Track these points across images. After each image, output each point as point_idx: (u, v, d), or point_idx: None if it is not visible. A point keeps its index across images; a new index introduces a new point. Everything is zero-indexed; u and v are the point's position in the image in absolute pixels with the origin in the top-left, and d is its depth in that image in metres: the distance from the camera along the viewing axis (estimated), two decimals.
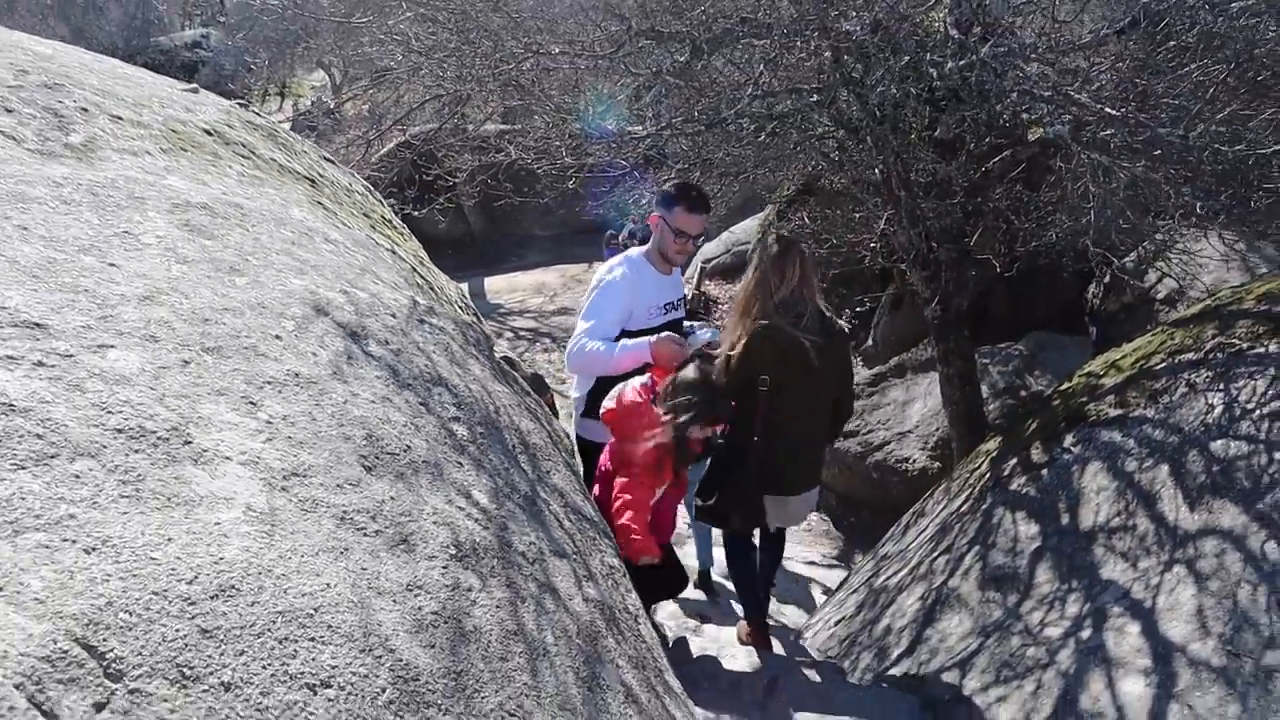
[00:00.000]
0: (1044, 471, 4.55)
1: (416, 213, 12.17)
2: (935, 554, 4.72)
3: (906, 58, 5.03)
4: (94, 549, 1.24)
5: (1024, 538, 4.20)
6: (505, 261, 21.81)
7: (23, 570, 1.15)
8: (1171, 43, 4.48)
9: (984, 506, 4.70)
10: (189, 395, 1.61)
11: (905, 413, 9.78)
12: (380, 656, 1.44)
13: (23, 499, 1.23)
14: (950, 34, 5.14)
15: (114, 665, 1.14)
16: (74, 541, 1.23)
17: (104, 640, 1.15)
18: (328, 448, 1.73)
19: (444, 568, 1.72)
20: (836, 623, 5.03)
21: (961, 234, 6.95)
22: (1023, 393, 9.03)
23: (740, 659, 4.28)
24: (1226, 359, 4.29)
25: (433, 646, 1.55)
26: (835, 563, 8.33)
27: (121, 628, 1.17)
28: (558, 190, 7.25)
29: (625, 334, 3.90)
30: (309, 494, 1.60)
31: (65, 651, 1.11)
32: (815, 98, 5.74)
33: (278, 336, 1.93)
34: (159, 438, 1.48)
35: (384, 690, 1.40)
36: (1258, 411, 3.77)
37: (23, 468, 1.27)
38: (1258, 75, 4.44)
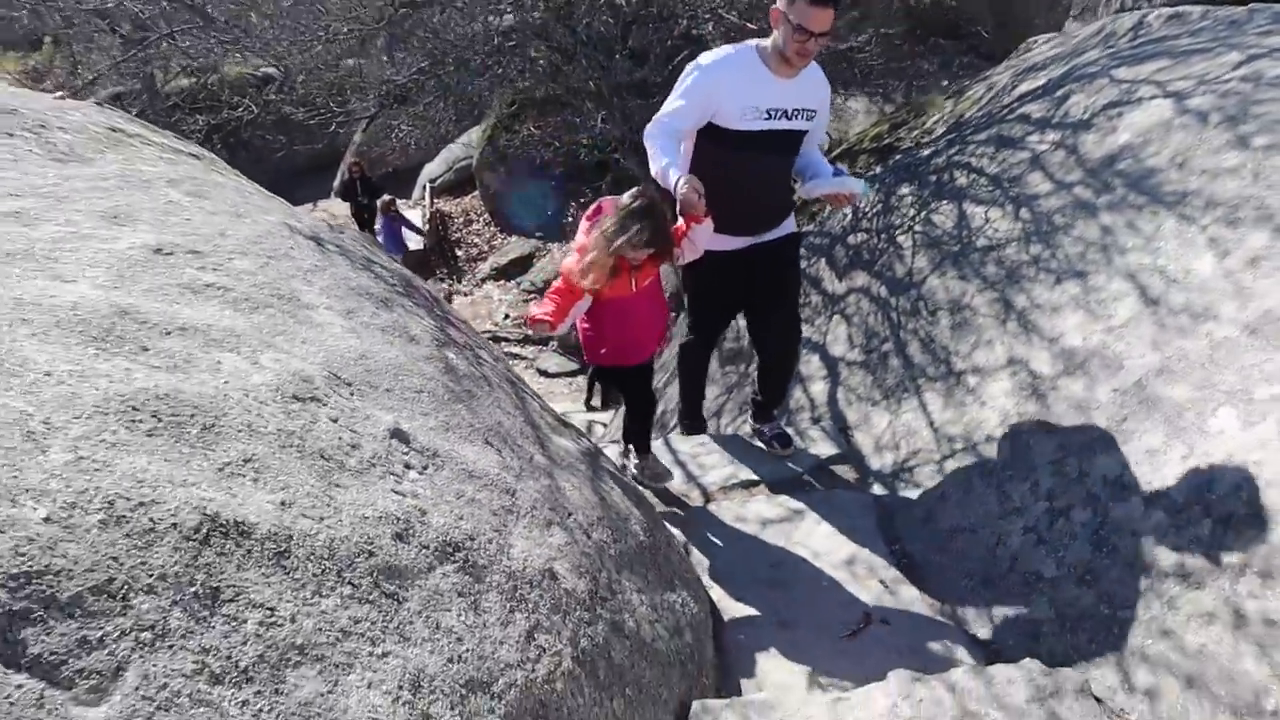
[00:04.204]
0: None
1: None
2: None
3: None
4: (304, 342, 2.54)
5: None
6: None
7: (289, 351, 2.46)
8: None
9: None
10: (285, 277, 2.87)
11: None
12: (437, 382, 2.82)
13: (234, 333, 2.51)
14: None
15: (345, 385, 2.48)
16: (292, 338, 2.53)
17: (338, 373, 2.48)
18: (350, 293, 3.05)
19: (433, 350, 3.10)
20: None
21: None
22: None
23: None
24: None
25: (449, 379, 2.95)
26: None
27: (343, 365, 2.50)
28: (325, 136, 8.17)
29: (715, 131, 3.69)
30: (361, 320, 2.92)
31: (325, 377, 2.44)
32: (532, 31, 7.12)
33: (292, 246, 3.18)
34: (286, 299, 2.76)
35: (450, 389, 2.79)
36: (871, 213, 5.68)
37: (233, 307, 2.54)
38: None
